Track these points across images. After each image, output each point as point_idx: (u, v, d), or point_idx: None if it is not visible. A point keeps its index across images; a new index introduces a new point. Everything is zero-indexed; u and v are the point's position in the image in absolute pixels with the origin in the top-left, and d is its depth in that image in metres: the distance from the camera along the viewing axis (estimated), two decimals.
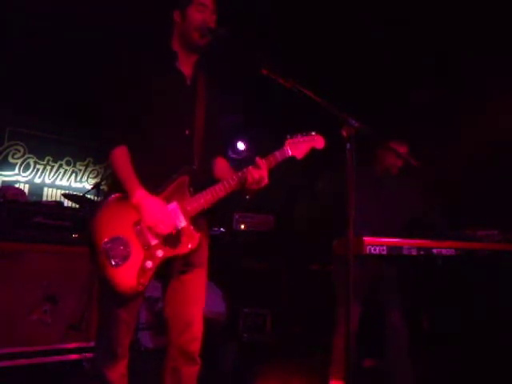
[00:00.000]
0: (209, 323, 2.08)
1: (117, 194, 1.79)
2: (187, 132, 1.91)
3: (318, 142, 1.95)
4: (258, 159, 1.86)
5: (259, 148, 6.36)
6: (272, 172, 1.92)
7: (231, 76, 3.92)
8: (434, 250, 2.53)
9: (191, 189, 1.84)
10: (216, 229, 5.28)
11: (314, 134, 1.94)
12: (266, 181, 1.86)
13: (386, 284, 2.96)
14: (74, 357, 3.24)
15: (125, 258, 1.70)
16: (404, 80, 4.38)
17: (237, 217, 5.50)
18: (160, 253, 1.75)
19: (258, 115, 5.78)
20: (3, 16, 4.10)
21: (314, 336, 4.62)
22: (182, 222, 1.79)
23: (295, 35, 4.24)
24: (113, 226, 1.74)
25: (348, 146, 1.64)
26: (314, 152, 1.96)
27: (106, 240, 1.71)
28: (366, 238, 2.36)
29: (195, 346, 1.87)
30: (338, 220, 1.85)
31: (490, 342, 3.17)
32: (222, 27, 1.88)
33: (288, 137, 1.93)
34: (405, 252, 2.46)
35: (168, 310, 1.91)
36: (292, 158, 1.93)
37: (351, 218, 1.62)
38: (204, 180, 1.91)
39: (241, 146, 6.55)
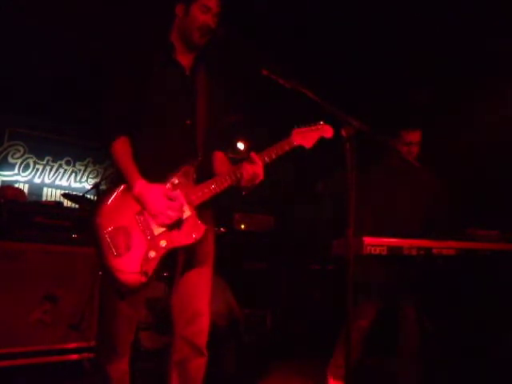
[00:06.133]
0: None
1: (122, 186, 1.78)
2: (189, 122, 1.89)
3: (326, 131, 1.92)
4: (252, 154, 1.83)
5: (259, 148, 6.35)
6: (272, 172, 1.90)
7: (231, 76, 3.91)
8: (434, 250, 2.53)
9: (195, 179, 1.82)
10: (216, 229, 5.27)
11: (321, 123, 1.91)
12: (261, 177, 1.83)
13: (402, 282, 2.93)
14: (73, 357, 3.23)
15: (128, 247, 1.70)
16: (404, 80, 4.38)
17: (237, 217, 5.50)
18: (163, 243, 1.74)
19: (258, 115, 5.78)
20: (3, 16, 4.10)
21: (314, 336, 4.61)
22: (187, 212, 1.77)
23: (295, 35, 4.24)
24: (116, 216, 1.74)
25: (348, 146, 1.64)
26: (314, 153, 1.96)
27: (108, 229, 1.71)
28: (366, 238, 2.36)
29: (202, 339, 1.86)
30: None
31: (491, 342, 3.17)
32: (222, 27, 1.88)
33: (295, 127, 1.90)
34: (405, 252, 2.46)
35: (174, 303, 1.88)
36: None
37: (351, 217, 1.62)
38: (207, 171, 1.90)
39: (241, 146, 6.54)
